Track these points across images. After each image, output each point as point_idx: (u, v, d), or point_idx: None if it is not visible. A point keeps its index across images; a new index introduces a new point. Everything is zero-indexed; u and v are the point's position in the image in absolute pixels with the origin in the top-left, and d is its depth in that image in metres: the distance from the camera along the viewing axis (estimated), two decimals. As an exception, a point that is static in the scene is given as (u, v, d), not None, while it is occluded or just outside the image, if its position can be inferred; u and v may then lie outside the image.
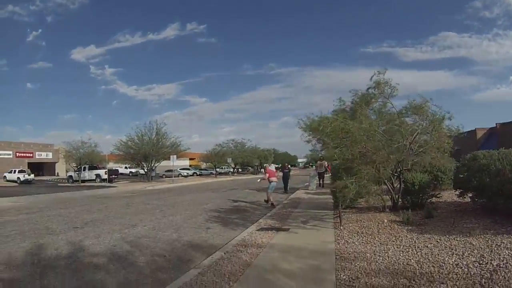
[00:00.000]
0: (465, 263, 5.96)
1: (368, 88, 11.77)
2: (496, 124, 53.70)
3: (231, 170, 76.09)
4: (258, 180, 19.92)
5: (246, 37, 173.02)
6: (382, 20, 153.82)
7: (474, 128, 52.95)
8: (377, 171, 11.30)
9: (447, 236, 7.84)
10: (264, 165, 30.44)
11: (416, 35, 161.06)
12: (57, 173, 72.36)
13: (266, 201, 17.38)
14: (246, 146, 73.95)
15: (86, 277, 6.67)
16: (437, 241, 7.53)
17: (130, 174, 67.02)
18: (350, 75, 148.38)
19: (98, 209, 17.35)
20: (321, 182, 27.80)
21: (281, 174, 24.15)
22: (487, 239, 7.19)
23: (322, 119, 14.85)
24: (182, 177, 62.44)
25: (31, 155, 69.35)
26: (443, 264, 6.01)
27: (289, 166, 29.07)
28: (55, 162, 71.78)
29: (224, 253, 7.81)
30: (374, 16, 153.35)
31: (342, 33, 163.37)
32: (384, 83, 11.28)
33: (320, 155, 27.35)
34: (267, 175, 17.77)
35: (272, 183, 17.49)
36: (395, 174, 12.05)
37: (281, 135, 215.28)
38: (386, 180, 11.81)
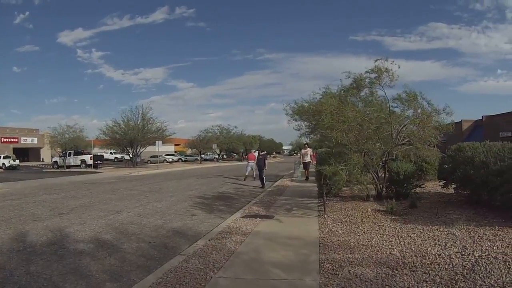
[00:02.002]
0: (447, 253, 6.00)
1: (366, 72, 11.55)
2: (482, 116, 54.44)
3: (216, 156, 75.98)
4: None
5: (235, 22, 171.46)
6: (372, 7, 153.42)
7: (460, 120, 53.52)
8: (365, 160, 11.35)
9: (430, 226, 7.91)
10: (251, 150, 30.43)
11: (405, 24, 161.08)
12: (42, 159, 71.45)
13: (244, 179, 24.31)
14: (232, 132, 73.66)
15: (72, 264, 6.60)
16: (420, 231, 7.59)
17: (115, 160, 66.66)
18: (338, 62, 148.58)
19: (83, 195, 17.18)
20: (305, 173, 23.41)
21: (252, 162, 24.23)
22: (469, 231, 7.28)
23: (311, 104, 14.85)
24: (167, 163, 62.49)
25: (16, 140, 67.84)
26: (426, 254, 6.05)
27: (263, 152, 25.50)
28: (41, 148, 70.33)
29: (209, 240, 7.78)
30: (365, 3, 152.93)
31: (331, 20, 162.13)
32: (386, 71, 11.11)
33: (305, 142, 25.49)
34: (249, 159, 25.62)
35: (250, 163, 24.99)
36: (381, 164, 12.09)
37: (267, 121, 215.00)
38: (371, 169, 11.86)
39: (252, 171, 24.65)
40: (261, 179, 20.51)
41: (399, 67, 10.99)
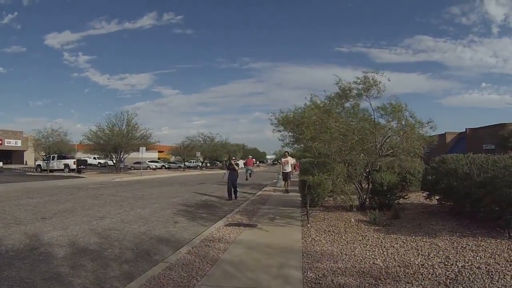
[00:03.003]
0: (430, 263, 6.03)
1: (354, 82, 11.35)
2: (465, 129, 55.39)
3: (200, 164, 75.78)
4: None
5: (222, 30, 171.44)
6: (358, 19, 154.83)
7: (443, 132, 54.27)
8: (348, 170, 11.36)
9: (414, 237, 7.94)
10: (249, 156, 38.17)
11: (391, 37, 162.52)
12: (26, 162, 70.35)
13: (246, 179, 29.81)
14: (216, 141, 73.98)
15: (54, 269, 6.49)
16: (403, 242, 7.61)
17: (99, 165, 65.92)
18: (323, 73, 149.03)
19: (66, 199, 16.98)
20: (285, 185, 21.36)
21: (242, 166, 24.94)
22: (452, 241, 7.32)
23: (296, 114, 14.85)
24: (151, 170, 62.12)
25: (0, 142, 67.25)
26: (409, 264, 6.06)
27: (234, 160, 19.91)
28: (24, 151, 68.77)
29: (192, 248, 7.72)
30: (351, 15, 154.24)
31: (317, 30, 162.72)
32: (375, 83, 11.08)
33: (285, 150, 23.03)
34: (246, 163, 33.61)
35: (248, 168, 32.30)
36: (364, 174, 12.12)
37: (251, 130, 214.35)
38: (355, 180, 11.86)
39: (249, 173, 31.14)
40: (229, 190, 17.68)
41: (389, 80, 11.03)
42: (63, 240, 8.76)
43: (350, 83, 11.56)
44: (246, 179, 29.97)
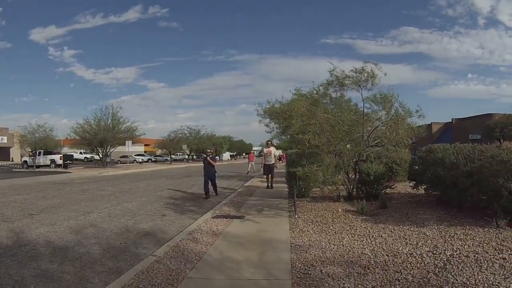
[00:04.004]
0: (419, 252, 6.02)
1: (351, 71, 11.17)
2: (452, 119, 55.94)
3: (186, 157, 75.58)
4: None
5: (207, 22, 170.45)
6: (344, 10, 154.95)
7: (430, 123, 54.75)
8: (336, 161, 11.34)
9: (401, 226, 7.94)
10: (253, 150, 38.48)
11: (377, 28, 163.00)
12: (12, 158, 69.75)
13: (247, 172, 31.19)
14: (202, 133, 74.02)
15: (43, 265, 6.42)
16: (391, 231, 7.61)
17: (85, 160, 65.55)
18: (309, 65, 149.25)
19: (53, 195, 16.80)
20: (268, 179, 18.41)
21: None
22: (440, 230, 7.34)
23: (282, 105, 14.80)
24: (137, 163, 61.92)
25: (-15, 139, 66.51)
26: (397, 254, 6.06)
27: (209, 152, 16.97)
28: (10, 147, 68.35)
29: (180, 241, 7.67)
30: (337, 6, 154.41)
31: (303, 22, 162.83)
32: (373, 76, 11.05)
33: (268, 139, 19.76)
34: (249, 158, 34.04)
35: (250, 163, 33.12)
36: (351, 165, 12.11)
37: (238, 122, 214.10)
38: (342, 170, 11.85)
39: (252, 168, 32.39)
40: (206, 187, 15.54)
41: (385, 75, 11.01)
42: (51, 236, 8.66)
43: (344, 71, 11.50)
44: (253, 172, 31.42)
